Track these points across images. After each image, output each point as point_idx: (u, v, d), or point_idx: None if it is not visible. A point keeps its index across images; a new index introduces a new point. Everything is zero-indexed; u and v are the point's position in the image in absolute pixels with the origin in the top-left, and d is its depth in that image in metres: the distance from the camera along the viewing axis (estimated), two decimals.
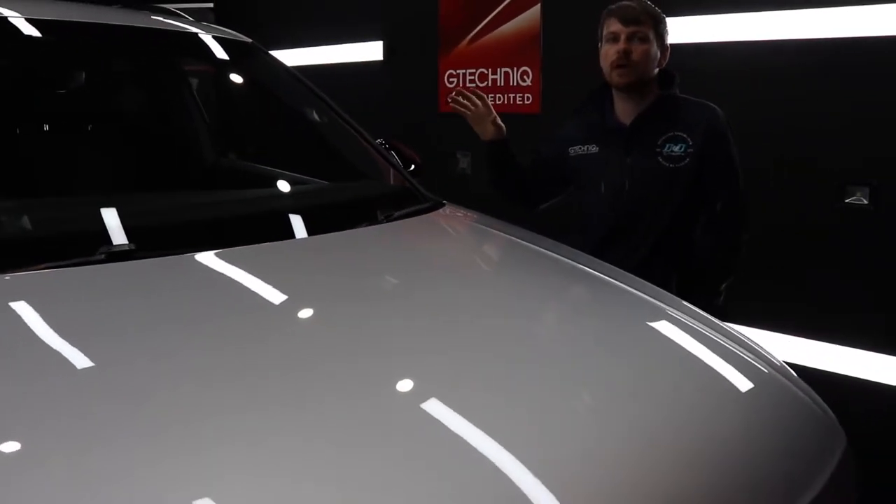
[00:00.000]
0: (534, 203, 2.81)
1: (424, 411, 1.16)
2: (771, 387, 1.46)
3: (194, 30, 2.71)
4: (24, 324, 1.30)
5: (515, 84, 4.24)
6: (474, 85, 4.43)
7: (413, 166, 2.67)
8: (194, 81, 4.63)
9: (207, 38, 2.66)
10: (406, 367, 1.28)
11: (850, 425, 3.09)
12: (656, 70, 2.46)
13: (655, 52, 2.42)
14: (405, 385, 1.25)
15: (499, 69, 4.32)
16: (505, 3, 4.23)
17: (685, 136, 2.40)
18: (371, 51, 5.12)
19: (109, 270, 1.51)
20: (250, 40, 2.75)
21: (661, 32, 2.44)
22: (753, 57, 3.35)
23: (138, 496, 0.93)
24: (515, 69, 4.23)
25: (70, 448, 1.00)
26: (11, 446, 1.00)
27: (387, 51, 5.05)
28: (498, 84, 4.33)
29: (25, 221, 1.76)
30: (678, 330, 1.63)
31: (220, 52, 2.68)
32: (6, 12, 2.16)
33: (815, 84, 3.20)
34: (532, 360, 1.38)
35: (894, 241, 3.06)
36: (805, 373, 3.12)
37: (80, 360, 1.20)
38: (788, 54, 3.25)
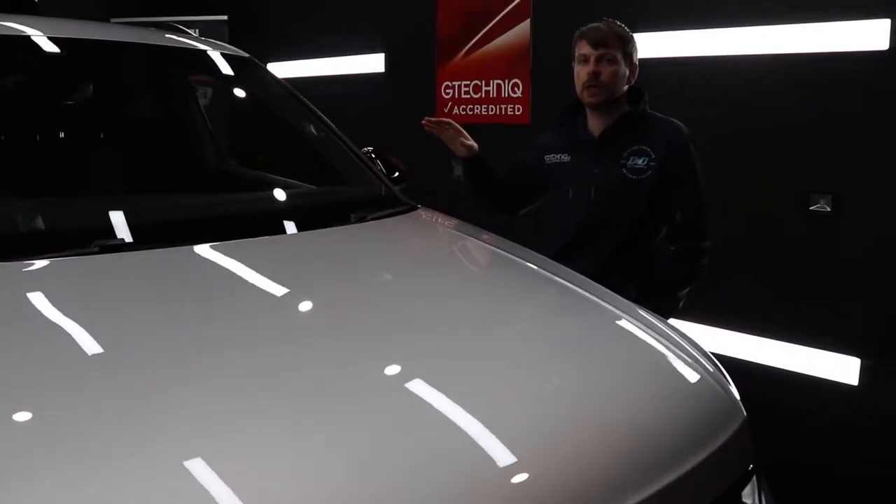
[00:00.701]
0: (513, 209, 2.99)
1: (379, 377, 1.38)
2: (678, 368, 1.64)
3: (196, 45, 2.92)
4: (28, 301, 1.52)
5: (507, 95, 4.45)
6: (468, 96, 4.64)
7: (397, 173, 2.87)
8: (208, 92, 4.89)
9: (208, 53, 2.86)
10: (344, 335, 1.53)
11: (812, 418, 3.27)
12: (625, 87, 2.61)
13: (624, 71, 2.58)
14: (359, 349, 1.46)
15: (491, 81, 4.54)
16: (497, 18, 4.44)
17: (648, 149, 2.56)
18: (374, 62, 5.34)
19: (104, 260, 1.74)
20: (247, 55, 2.94)
21: (629, 52, 2.59)
22: (721, 71, 3.53)
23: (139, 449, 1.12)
24: (507, 81, 4.44)
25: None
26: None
27: (389, 63, 5.27)
28: (490, 95, 4.54)
29: (37, 216, 1.99)
30: (611, 322, 1.83)
31: (219, 66, 2.88)
32: (29, 31, 2.41)
33: (780, 98, 3.38)
34: (471, 339, 1.59)
35: (855, 246, 3.23)
36: (771, 372, 3.32)
37: (76, 335, 1.41)
38: (756, 68, 3.42)
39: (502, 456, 1.21)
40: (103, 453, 1.10)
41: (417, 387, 1.35)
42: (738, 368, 3.44)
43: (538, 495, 1.18)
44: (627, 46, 2.61)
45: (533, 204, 2.97)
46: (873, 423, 3.23)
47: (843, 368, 3.27)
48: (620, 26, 2.63)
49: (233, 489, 1.05)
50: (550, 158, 2.75)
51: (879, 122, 3.12)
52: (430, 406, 1.30)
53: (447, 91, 4.79)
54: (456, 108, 4.72)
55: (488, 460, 1.20)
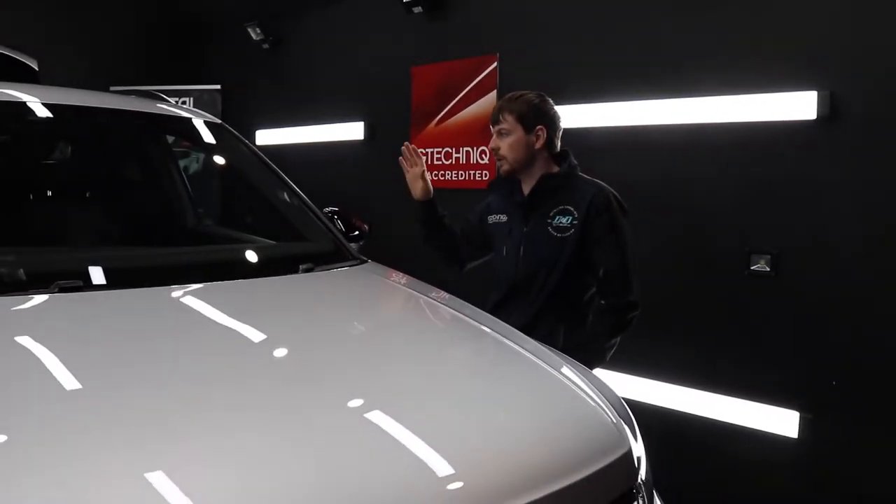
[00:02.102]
0: (461, 263, 3.20)
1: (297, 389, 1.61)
2: (568, 402, 1.84)
3: (174, 112, 3.17)
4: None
5: (475, 162, 4.70)
6: (440, 162, 4.89)
7: (357, 232, 3.09)
8: (200, 157, 5.14)
9: (185, 119, 3.11)
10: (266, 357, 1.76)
11: (753, 468, 3.37)
12: (538, 148, 2.83)
13: (521, 139, 2.82)
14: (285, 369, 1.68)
15: (461, 148, 4.80)
16: (466, 90, 4.72)
17: (572, 209, 2.77)
18: (354, 130, 5.63)
19: (65, 298, 1.95)
20: (220, 121, 3.18)
21: (529, 121, 2.81)
22: (667, 139, 3.77)
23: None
24: (475, 148, 4.70)
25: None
26: None
27: (367, 130, 5.56)
28: (460, 161, 4.79)
29: (23, 262, 2.21)
30: (517, 361, 2.03)
31: (195, 131, 3.12)
32: (25, 97, 2.66)
33: (720, 163, 3.60)
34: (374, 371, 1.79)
35: (793, 303, 3.41)
36: (714, 425, 3.45)
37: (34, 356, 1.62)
38: (699, 137, 3.65)
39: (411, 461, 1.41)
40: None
41: (341, 405, 1.56)
42: (683, 421, 3.63)
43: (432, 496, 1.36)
44: (525, 116, 2.83)
45: (478, 260, 3.18)
46: (812, 475, 3.37)
47: (782, 421, 3.41)
48: (518, 100, 2.85)
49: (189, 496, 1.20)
50: (492, 219, 2.98)
51: (811, 186, 3.32)
52: (361, 422, 1.51)
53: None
54: (429, 173, 4.95)
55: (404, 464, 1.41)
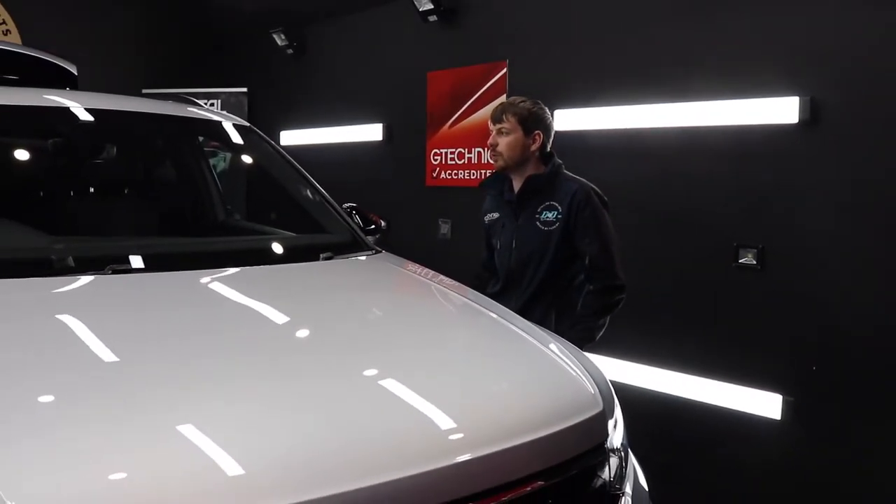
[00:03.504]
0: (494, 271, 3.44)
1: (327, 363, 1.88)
2: (550, 370, 2.13)
3: (207, 115, 3.46)
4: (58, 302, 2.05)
5: (485, 162, 4.97)
6: (454, 162, 5.17)
7: (373, 226, 3.37)
8: (227, 157, 5.44)
9: (216, 122, 3.41)
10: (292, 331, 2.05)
11: (737, 448, 3.59)
12: (533, 150, 3.11)
13: (520, 140, 3.10)
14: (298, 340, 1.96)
15: (473, 149, 5.08)
16: (477, 94, 5.00)
17: (557, 205, 3.07)
18: (373, 132, 5.92)
19: (116, 279, 2.26)
20: (248, 124, 3.48)
21: (529, 124, 3.10)
22: (659, 142, 4.03)
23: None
24: (485, 149, 4.94)
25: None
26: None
27: (386, 132, 5.86)
28: (472, 161, 5.07)
29: (81, 248, 2.53)
30: (510, 338, 2.31)
31: (224, 133, 3.42)
32: (68, 103, 2.97)
33: (709, 164, 3.85)
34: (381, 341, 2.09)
35: (777, 293, 3.66)
36: (702, 407, 3.67)
37: (88, 328, 1.92)
38: (688, 139, 3.91)
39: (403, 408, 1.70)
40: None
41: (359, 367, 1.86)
42: (673, 403, 3.89)
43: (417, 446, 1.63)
44: (526, 120, 3.11)
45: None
46: (793, 453, 3.62)
47: (766, 404, 3.65)
48: (520, 104, 3.14)
49: (223, 446, 1.43)
50: (488, 217, 3.29)
51: (794, 186, 3.56)
52: (371, 384, 1.81)
53: (435, 157, 5.34)
54: (443, 172, 5.26)
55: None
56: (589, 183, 3.13)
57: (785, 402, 3.60)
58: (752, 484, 3.76)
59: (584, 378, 2.14)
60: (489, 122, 3.19)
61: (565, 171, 3.18)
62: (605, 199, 3.13)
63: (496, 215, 3.25)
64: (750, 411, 3.71)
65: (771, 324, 3.68)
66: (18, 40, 6.72)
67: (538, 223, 3.08)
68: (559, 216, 3.05)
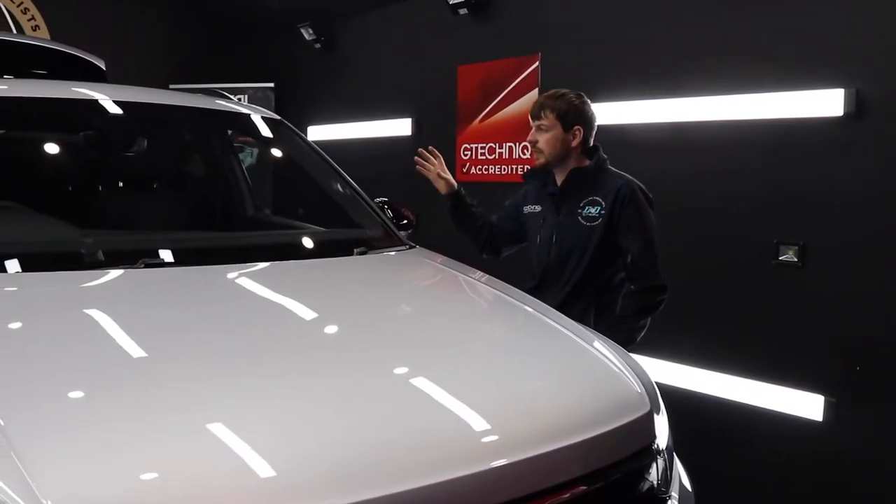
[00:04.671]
0: (496, 249, 3.41)
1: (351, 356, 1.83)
2: (596, 368, 2.06)
3: (236, 108, 3.42)
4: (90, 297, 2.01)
5: (517, 157, 4.91)
6: (484, 157, 5.10)
7: (405, 221, 3.31)
8: (254, 152, 5.41)
9: (245, 115, 3.36)
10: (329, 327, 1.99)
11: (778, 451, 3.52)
12: (573, 146, 3.03)
13: (559, 136, 3.01)
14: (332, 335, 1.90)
15: (504, 144, 5.00)
16: (509, 88, 4.92)
17: (601, 200, 2.97)
18: (402, 126, 5.87)
19: (147, 273, 2.22)
20: (278, 117, 3.43)
21: (568, 120, 3.00)
22: (699, 135, 3.94)
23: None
24: (517, 144, 4.90)
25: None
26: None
27: (415, 127, 5.80)
28: (503, 157, 5.00)
29: (113, 242, 2.50)
30: (552, 335, 2.24)
31: (255, 127, 3.37)
32: (97, 95, 2.93)
33: (750, 158, 3.76)
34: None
35: (819, 291, 3.57)
36: (742, 408, 3.59)
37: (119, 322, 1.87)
38: (729, 133, 3.82)
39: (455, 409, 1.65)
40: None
41: (395, 367, 1.80)
42: (711, 404, 3.80)
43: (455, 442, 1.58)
44: (567, 116, 3.01)
45: (515, 246, 3.38)
46: (835, 457, 3.52)
47: (808, 405, 3.56)
48: (560, 99, 3.04)
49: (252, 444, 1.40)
50: (527, 209, 3.19)
51: (838, 180, 3.47)
52: (406, 384, 1.75)
53: (465, 152, 5.27)
54: (473, 167, 5.20)
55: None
56: (634, 179, 3.04)
57: (827, 404, 3.52)
58: (792, 487, 3.68)
59: (630, 377, 2.07)
60: (529, 119, 3.11)
61: (610, 167, 3.10)
62: (650, 196, 3.04)
63: (538, 208, 3.16)
64: (791, 412, 3.62)
65: (812, 322, 3.59)
66: (47, 36, 6.73)
67: (580, 218, 3.00)
68: (602, 212, 2.97)
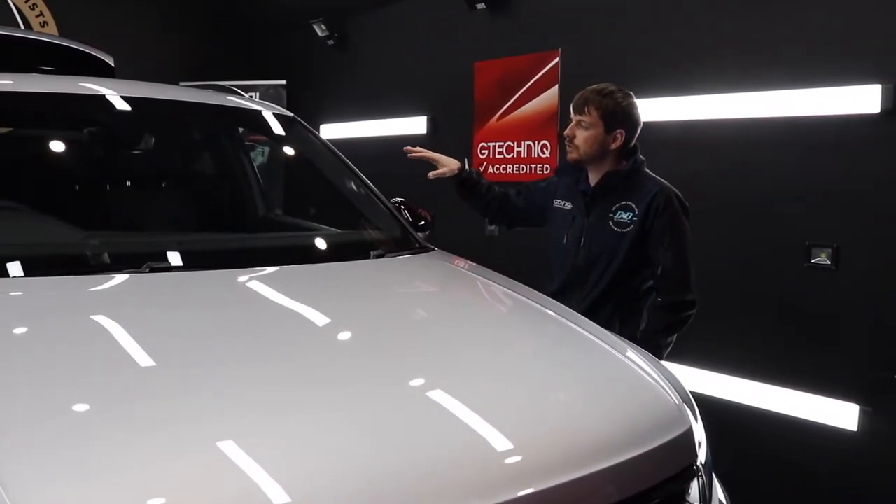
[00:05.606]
0: (509, 222, 3.28)
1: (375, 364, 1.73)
2: (631, 382, 1.92)
3: (247, 105, 3.30)
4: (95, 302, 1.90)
5: (536, 156, 4.77)
6: (502, 156, 4.97)
7: (423, 222, 3.19)
8: (265, 151, 5.28)
9: (257, 112, 3.24)
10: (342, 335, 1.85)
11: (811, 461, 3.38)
12: (612, 149, 2.84)
13: (599, 136, 2.82)
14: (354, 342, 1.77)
15: (522, 142, 4.87)
16: (528, 85, 4.78)
17: (634, 205, 2.80)
18: (418, 124, 5.74)
19: (153, 277, 2.10)
20: (291, 113, 3.31)
21: (612, 121, 2.81)
22: (727, 133, 3.80)
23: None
24: (536, 142, 4.77)
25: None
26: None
27: (431, 125, 5.66)
28: (521, 155, 4.86)
29: (117, 245, 2.38)
30: (582, 344, 2.11)
31: (265, 123, 3.24)
32: (104, 90, 2.81)
33: (782, 157, 3.62)
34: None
35: (853, 296, 3.42)
36: (773, 417, 3.46)
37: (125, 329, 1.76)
38: (759, 130, 3.68)
39: (488, 435, 1.52)
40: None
41: (415, 379, 1.69)
42: (741, 412, 3.66)
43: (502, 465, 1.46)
44: (610, 116, 2.82)
45: (530, 226, 3.25)
46: (870, 468, 3.38)
47: (842, 414, 3.42)
48: (607, 96, 2.84)
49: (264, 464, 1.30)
50: (557, 202, 3.03)
51: (874, 180, 3.32)
52: (425, 398, 1.62)
53: (483, 151, 5.13)
54: (490, 166, 5.06)
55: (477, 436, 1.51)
56: (671, 186, 2.87)
57: (862, 413, 3.38)
58: (824, 499, 3.53)
59: (668, 390, 1.94)
60: (571, 110, 2.93)
61: (647, 170, 2.92)
62: (687, 205, 2.87)
63: (568, 205, 2.99)
64: (824, 422, 3.49)
65: (846, 328, 3.45)
66: (55, 32, 6.64)
67: (611, 223, 2.84)
68: (634, 218, 2.80)
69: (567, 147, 2.93)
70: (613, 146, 2.85)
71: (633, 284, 2.87)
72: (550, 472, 1.48)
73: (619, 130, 2.84)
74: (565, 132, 2.92)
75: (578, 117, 2.86)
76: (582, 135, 2.85)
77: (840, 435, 3.44)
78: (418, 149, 3.33)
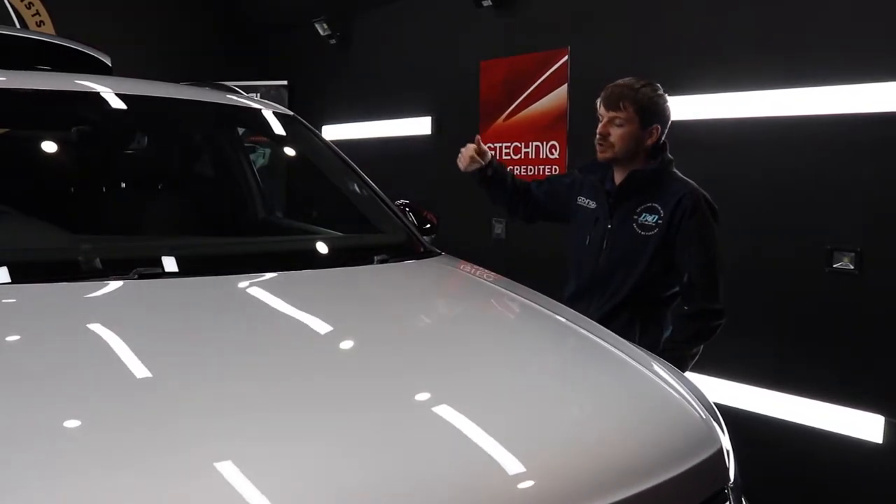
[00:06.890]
0: (529, 217, 3.12)
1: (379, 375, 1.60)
2: (658, 400, 1.77)
3: (246, 103, 3.17)
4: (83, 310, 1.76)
5: (545, 157, 4.64)
6: (509, 157, 4.84)
7: (428, 225, 3.05)
8: (266, 152, 5.17)
9: (256, 111, 3.10)
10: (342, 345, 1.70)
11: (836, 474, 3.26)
12: (647, 145, 2.69)
13: (635, 133, 2.66)
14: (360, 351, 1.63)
15: (531, 143, 4.74)
16: (536, 84, 4.65)
17: (660, 208, 2.64)
18: (422, 125, 5.62)
19: (146, 284, 1.96)
20: (291, 112, 3.17)
21: (648, 116, 2.66)
22: (747, 132, 3.67)
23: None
24: (545, 143, 4.64)
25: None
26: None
27: (435, 125, 5.53)
28: (529, 156, 4.73)
29: (105, 250, 2.24)
30: (603, 356, 1.96)
31: (265, 122, 3.11)
32: (100, 88, 2.68)
33: (803, 157, 3.50)
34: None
35: (878, 303, 3.29)
36: (795, 428, 3.34)
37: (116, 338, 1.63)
38: (779, 130, 3.55)
39: (499, 458, 1.38)
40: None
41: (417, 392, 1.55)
42: (762, 423, 3.52)
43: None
44: (646, 111, 2.66)
45: (550, 220, 3.10)
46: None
47: (866, 426, 3.29)
48: (640, 90, 2.67)
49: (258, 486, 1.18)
50: (581, 200, 2.87)
51: None
52: (433, 417, 1.47)
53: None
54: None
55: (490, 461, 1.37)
56: (700, 188, 2.71)
57: (888, 425, 3.26)
58: None
59: (696, 406, 1.80)
60: (599, 106, 2.74)
61: (675, 171, 2.75)
62: (716, 207, 2.70)
63: (593, 204, 2.83)
64: (847, 433, 3.37)
65: (870, 336, 3.33)
66: (52, 31, 6.55)
67: (635, 226, 2.68)
68: (659, 221, 2.64)
69: (598, 146, 2.74)
70: (649, 142, 2.70)
71: (657, 290, 2.72)
72: (569, 501, 1.35)
73: (654, 125, 2.69)
74: (598, 130, 2.72)
75: (613, 114, 2.68)
76: (617, 132, 2.68)
77: (864, 447, 3.32)
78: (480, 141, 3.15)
